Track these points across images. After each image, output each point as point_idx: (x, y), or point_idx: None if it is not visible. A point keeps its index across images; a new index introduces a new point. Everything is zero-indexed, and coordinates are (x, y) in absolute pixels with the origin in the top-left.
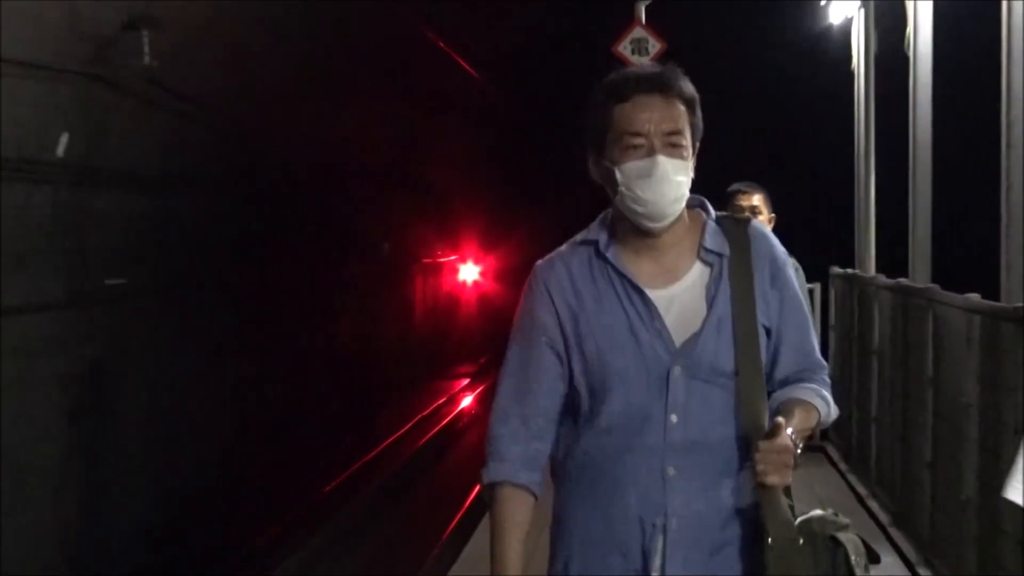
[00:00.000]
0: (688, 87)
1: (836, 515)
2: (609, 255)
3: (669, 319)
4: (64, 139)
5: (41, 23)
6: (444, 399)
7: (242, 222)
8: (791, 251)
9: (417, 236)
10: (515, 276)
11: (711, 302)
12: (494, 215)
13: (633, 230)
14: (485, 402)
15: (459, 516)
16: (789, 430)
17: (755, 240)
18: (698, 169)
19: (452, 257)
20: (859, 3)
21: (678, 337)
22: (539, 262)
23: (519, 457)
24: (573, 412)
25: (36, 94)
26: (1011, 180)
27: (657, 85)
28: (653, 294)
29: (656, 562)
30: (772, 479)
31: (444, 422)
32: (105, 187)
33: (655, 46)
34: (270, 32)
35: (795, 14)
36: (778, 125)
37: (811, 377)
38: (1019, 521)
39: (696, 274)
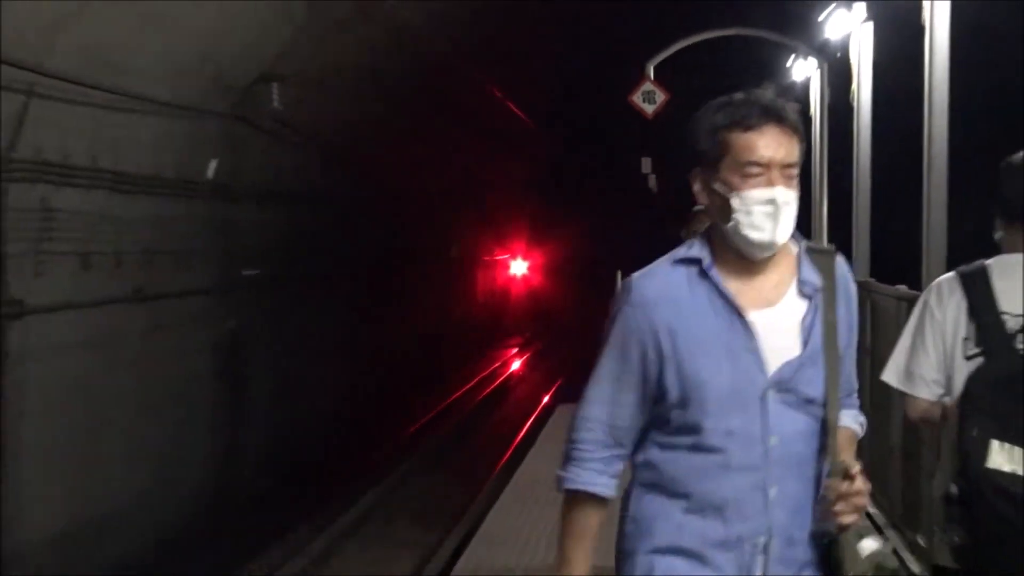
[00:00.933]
0: (800, 122)
1: (893, 548)
2: (713, 275)
3: (763, 343)
4: (213, 164)
5: (197, 77)
6: (498, 363)
7: (346, 229)
8: None
9: (478, 240)
10: (552, 270)
11: (808, 334)
12: (536, 223)
13: (735, 253)
14: (529, 366)
15: (509, 452)
16: (857, 467)
17: (839, 273)
18: (690, 189)
19: (504, 256)
20: (816, 65)
21: (770, 362)
22: (635, 276)
23: (600, 466)
24: (661, 424)
25: (193, 131)
26: (931, 199)
27: (778, 117)
28: (750, 317)
29: None
30: (849, 519)
31: (498, 381)
32: (243, 201)
33: (660, 96)
34: (369, 83)
35: (767, 72)
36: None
37: (851, 402)
38: (932, 461)
39: (791, 302)
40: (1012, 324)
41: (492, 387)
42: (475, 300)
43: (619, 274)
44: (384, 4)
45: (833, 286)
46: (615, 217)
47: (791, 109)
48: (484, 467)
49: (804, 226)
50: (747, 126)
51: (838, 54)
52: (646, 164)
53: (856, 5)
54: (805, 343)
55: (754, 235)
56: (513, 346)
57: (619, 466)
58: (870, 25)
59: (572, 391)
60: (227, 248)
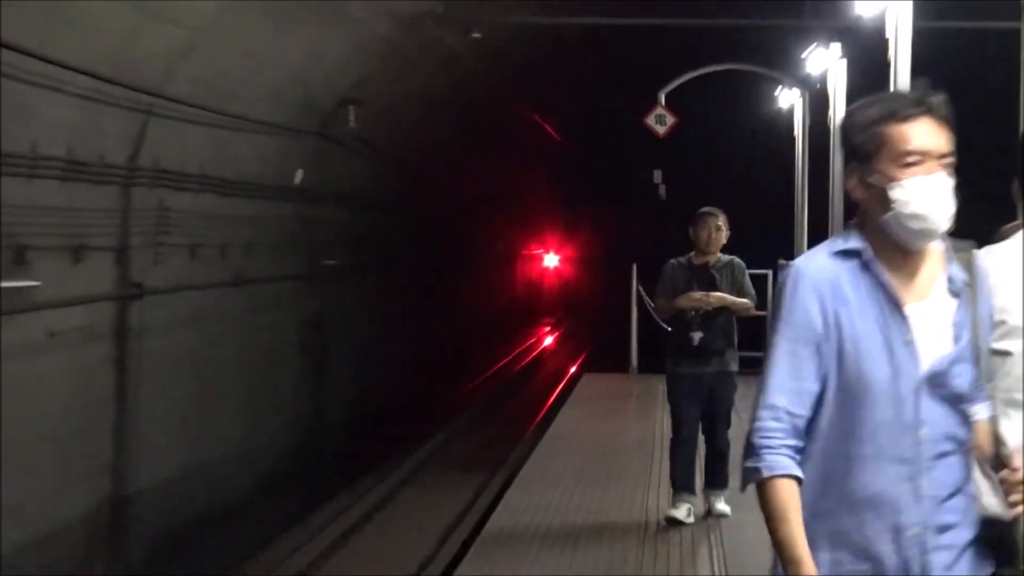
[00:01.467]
0: (951, 114)
1: None
2: (875, 267)
3: (916, 337)
4: (299, 173)
5: (289, 101)
6: (533, 339)
7: (410, 228)
8: (752, 250)
9: (518, 238)
10: (578, 263)
11: (959, 329)
12: (565, 223)
13: (891, 246)
14: (559, 342)
15: (542, 412)
16: (1018, 457)
17: (979, 269)
18: (697, 192)
19: (540, 250)
20: (799, 94)
21: (924, 355)
22: (801, 263)
23: (790, 451)
24: (815, 416)
25: (286, 146)
26: None
27: (929, 108)
28: (907, 311)
29: (915, 572)
30: (1021, 508)
31: (533, 354)
32: (325, 204)
33: (670, 119)
34: (431, 108)
35: (760, 100)
36: (748, 167)
37: (984, 395)
38: None
39: (941, 297)
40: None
41: (528, 359)
42: (516, 287)
43: (634, 266)
44: (443, 44)
45: (975, 283)
46: (630, 219)
47: (941, 101)
48: (521, 424)
49: (788, 225)
50: (902, 117)
51: (817, 85)
52: (657, 175)
53: (833, 45)
54: (956, 338)
55: (915, 224)
56: (546, 325)
57: (800, 458)
58: (844, 62)
59: (594, 363)
60: (312, 242)
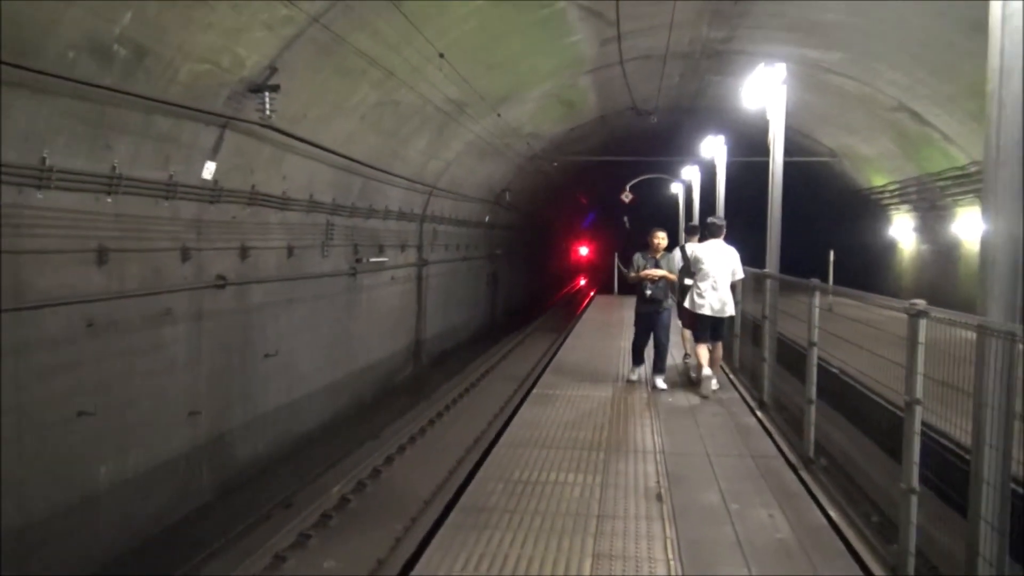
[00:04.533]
0: None
1: None
2: None
3: None
4: (487, 216)
5: (483, 189)
6: (575, 283)
7: (527, 238)
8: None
9: (570, 241)
10: (595, 252)
11: None
12: (589, 235)
13: None
14: (585, 285)
15: (578, 312)
16: None
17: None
18: (643, 226)
19: (578, 247)
20: (682, 187)
21: None
22: None
23: None
24: None
25: (481, 207)
26: (771, 239)
27: None
28: None
29: None
30: None
31: (576, 289)
32: (496, 229)
33: (631, 195)
34: (536, 190)
35: (667, 189)
36: (662, 214)
37: None
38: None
39: None
40: (693, 258)
41: (573, 291)
42: (568, 262)
43: (616, 254)
44: (542, 167)
45: None
46: (614, 236)
47: None
48: (571, 315)
49: (676, 238)
50: None
51: (689, 182)
52: (625, 219)
53: (694, 166)
54: None
55: None
56: (580, 278)
57: None
58: (699, 173)
59: (600, 291)
60: (491, 244)
